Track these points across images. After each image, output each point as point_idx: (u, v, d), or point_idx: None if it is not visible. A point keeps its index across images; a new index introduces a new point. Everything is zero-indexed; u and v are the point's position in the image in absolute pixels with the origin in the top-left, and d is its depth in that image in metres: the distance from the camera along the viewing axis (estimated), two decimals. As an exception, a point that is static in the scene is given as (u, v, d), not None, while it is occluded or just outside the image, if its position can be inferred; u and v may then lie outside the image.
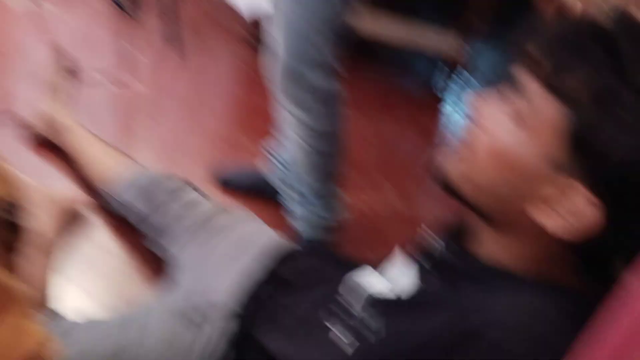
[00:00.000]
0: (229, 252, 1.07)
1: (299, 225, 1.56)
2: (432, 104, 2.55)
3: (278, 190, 1.68)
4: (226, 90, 2.30)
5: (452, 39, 2.67)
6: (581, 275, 0.63)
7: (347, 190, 1.80)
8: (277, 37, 1.30)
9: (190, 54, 2.38)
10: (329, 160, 1.46)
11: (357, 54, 1.47)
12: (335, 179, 1.51)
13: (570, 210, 0.57)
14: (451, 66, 2.57)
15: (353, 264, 0.97)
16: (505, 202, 0.61)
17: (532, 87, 0.58)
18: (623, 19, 0.56)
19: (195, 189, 1.33)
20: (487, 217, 0.65)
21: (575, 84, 0.54)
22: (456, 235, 0.73)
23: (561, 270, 0.62)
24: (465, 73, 2.82)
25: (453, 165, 0.66)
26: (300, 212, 1.54)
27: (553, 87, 0.56)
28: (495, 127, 0.62)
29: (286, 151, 1.55)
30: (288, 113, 1.39)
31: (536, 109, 0.57)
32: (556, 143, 0.56)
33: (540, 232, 0.60)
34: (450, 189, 0.67)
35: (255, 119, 2.10)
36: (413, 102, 2.51)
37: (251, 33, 2.46)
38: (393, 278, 0.78)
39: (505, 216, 0.63)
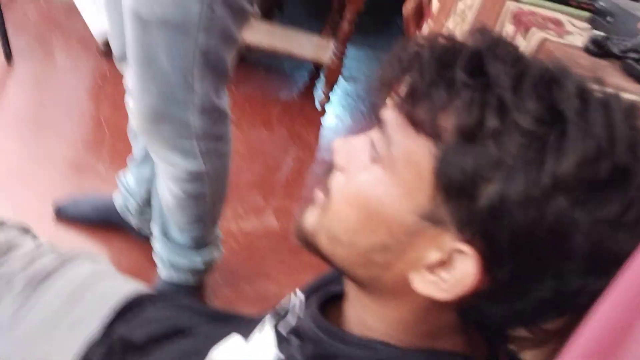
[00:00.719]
0: (70, 316, 0.90)
1: (160, 265, 1.32)
2: (313, 116, 2.40)
3: (136, 224, 1.43)
4: (77, 108, 1.99)
5: (326, 46, 2.55)
6: (472, 336, 0.53)
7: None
8: (135, 75, 1.05)
9: (32, 65, 2.06)
10: (202, 202, 1.22)
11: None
12: (209, 219, 1.28)
13: (445, 266, 0.47)
14: (330, 75, 2.44)
15: (216, 317, 0.85)
16: (367, 258, 0.50)
17: (389, 116, 0.49)
18: (493, 39, 0.47)
19: (33, 236, 1.06)
20: (350, 276, 0.53)
21: (438, 114, 0.45)
22: (321, 291, 0.62)
23: (445, 332, 0.52)
24: (344, 82, 2.72)
25: (309, 213, 0.54)
26: (162, 250, 1.29)
27: (411, 116, 0.47)
28: (351, 164, 0.52)
29: (147, 183, 1.35)
30: (153, 153, 1.17)
31: (393, 142, 0.48)
32: (419, 185, 0.46)
33: (412, 294, 0.49)
34: (307, 242, 0.55)
35: (113, 141, 1.82)
36: (293, 115, 2.35)
37: (107, 42, 2.18)
38: (255, 350, 0.65)
39: (370, 275, 0.51)
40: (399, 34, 3.58)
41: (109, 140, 1.83)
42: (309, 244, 0.54)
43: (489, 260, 0.45)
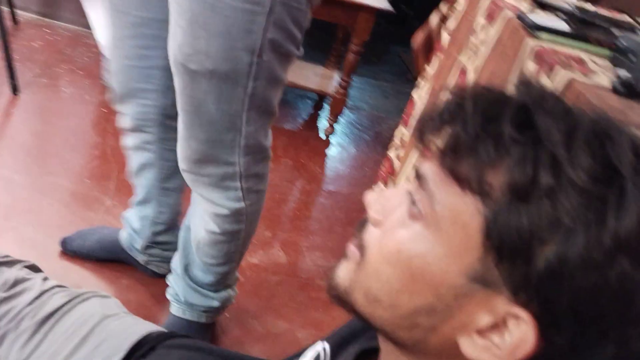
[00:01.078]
0: (78, 356, 0.88)
1: (173, 302, 1.29)
2: (318, 146, 2.39)
3: (143, 260, 1.41)
4: (83, 139, 1.97)
5: (331, 76, 2.56)
6: None
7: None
8: (182, 123, 1.05)
9: (38, 95, 2.05)
10: (235, 240, 1.20)
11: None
12: (236, 258, 1.26)
13: (498, 334, 0.44)
14: (335, 106, 2.44)
15: None
16: (411, 320, 0.47)
17: (429, 170, 0.46)
18: (539, 92, 0.45)
19: (43, 275, 1.03)
20: (391, 337, 0.50)
21: (485, 171, 0.42)
22: (350, 347, 0.59)
23: None
24: (347, 112, 2.72)
25: (342, 268, 0.51)
26: (179, 288, 1.27)
27: (455, 172, 0.44)
28: (387, 219, 0.49)
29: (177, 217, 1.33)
30: (196, 192, 1.15)
31: (435, 198, 0.45)
32: (467, 245, 0.43)
33: (459, 356, 0.46)
34: (340, 300, 0.51)
35: (119, 173, 1.80)
36: (298, 146, 2.34)
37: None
38: None
39: (413, 338, 0.48)
40: (400, 63, 3.60)
41: (115, 171, 1.82)
42: (343, 302, 0.51)
43: (547, 324, 0.42)
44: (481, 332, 0.44)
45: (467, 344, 0.45)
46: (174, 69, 0.98)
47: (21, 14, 2.54)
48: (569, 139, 0.41)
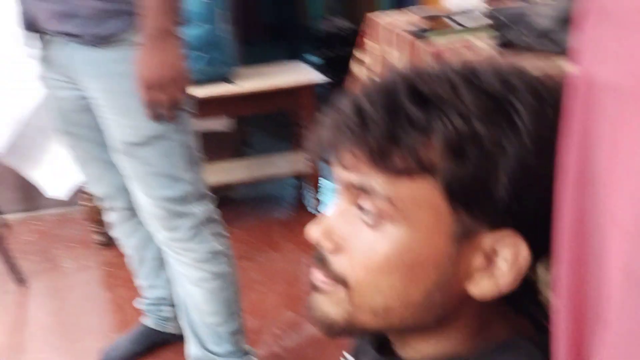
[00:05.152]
0: None
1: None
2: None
3: (178, 329, 1.54)
4: (96, 301, 2.06)
5: (300, 157, 2.68)
6: (508, 315, 0.54)
7: (257, 343, 1.61)
8: (132, 191, 1.28)
9: (44, 279, 2.15)
10: (227, 282, 1.34)
11: (222, 210, 1.41)
12: (236, 307, 1.38)
13: (498, 263, 0.49)
14: (313, 181, 2.54)
15: None
16: (428, 302, 0.50)
17: (374, 179, 0.48)
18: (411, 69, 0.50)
19: None
20: (415, 327, 0.53)
21: (418, 153, 0.46)
22: (380, 347, 0.59)
23: (491, 323, 0.53)
24: (327, 181, 2.82)
25: (329, 306, 0.52)
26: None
27: (394, 168, 0.47)
28: (347, 241, 0.50)
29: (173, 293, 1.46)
30: (169, 249, 1.31)
31: (391, 197, 0.48)
32: (439, 217, 0.48)
33: (467, 302, 0.50)
34: (345, 331, 0.53)
35: (136, 318, 1.87)
36: (294, 228, 2.42)
37: (102, 233, 2.29)
38: None
39: (435, 314, 0.51)
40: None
41: (132, 318, 1.88)
42: (350, 331, 0.53)
43: (527, 228, 0.47)
44: (480, 270, 0.49)
45: (474, 287, 0.49)
46: (124, 155, 1.21)
47: (9, 217, 2.68)
48: (455, 92, 0.47)
